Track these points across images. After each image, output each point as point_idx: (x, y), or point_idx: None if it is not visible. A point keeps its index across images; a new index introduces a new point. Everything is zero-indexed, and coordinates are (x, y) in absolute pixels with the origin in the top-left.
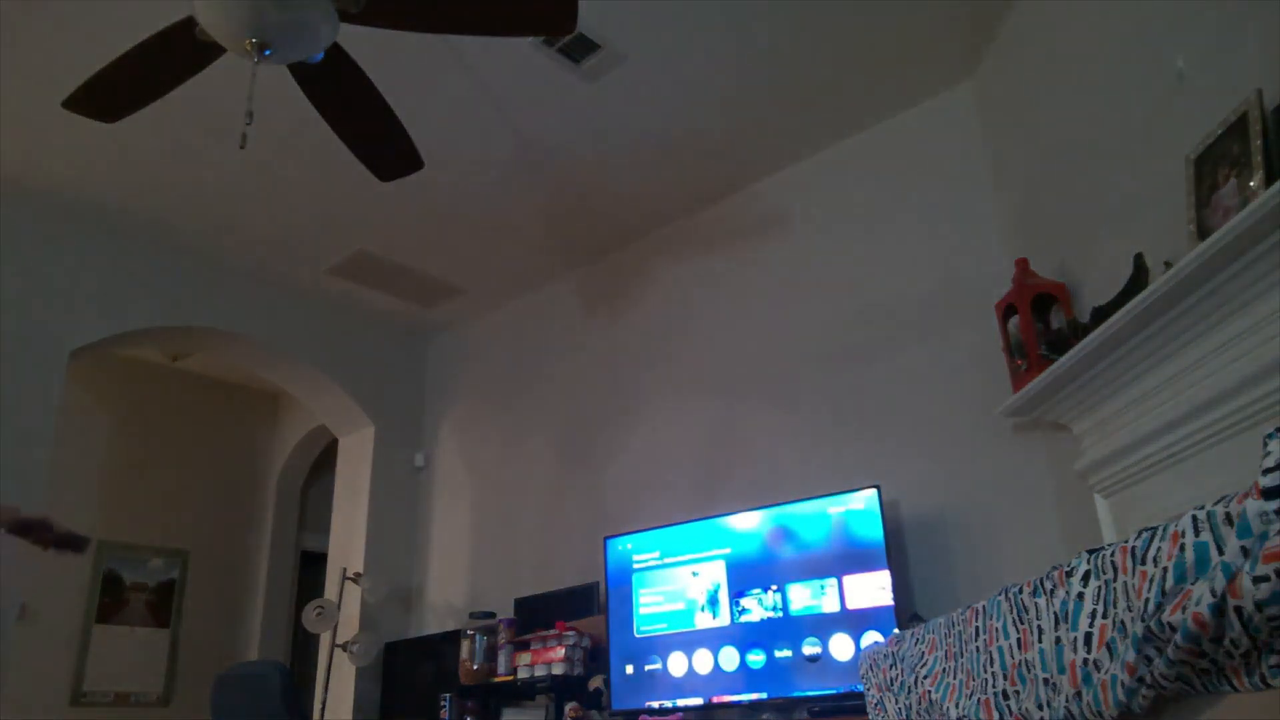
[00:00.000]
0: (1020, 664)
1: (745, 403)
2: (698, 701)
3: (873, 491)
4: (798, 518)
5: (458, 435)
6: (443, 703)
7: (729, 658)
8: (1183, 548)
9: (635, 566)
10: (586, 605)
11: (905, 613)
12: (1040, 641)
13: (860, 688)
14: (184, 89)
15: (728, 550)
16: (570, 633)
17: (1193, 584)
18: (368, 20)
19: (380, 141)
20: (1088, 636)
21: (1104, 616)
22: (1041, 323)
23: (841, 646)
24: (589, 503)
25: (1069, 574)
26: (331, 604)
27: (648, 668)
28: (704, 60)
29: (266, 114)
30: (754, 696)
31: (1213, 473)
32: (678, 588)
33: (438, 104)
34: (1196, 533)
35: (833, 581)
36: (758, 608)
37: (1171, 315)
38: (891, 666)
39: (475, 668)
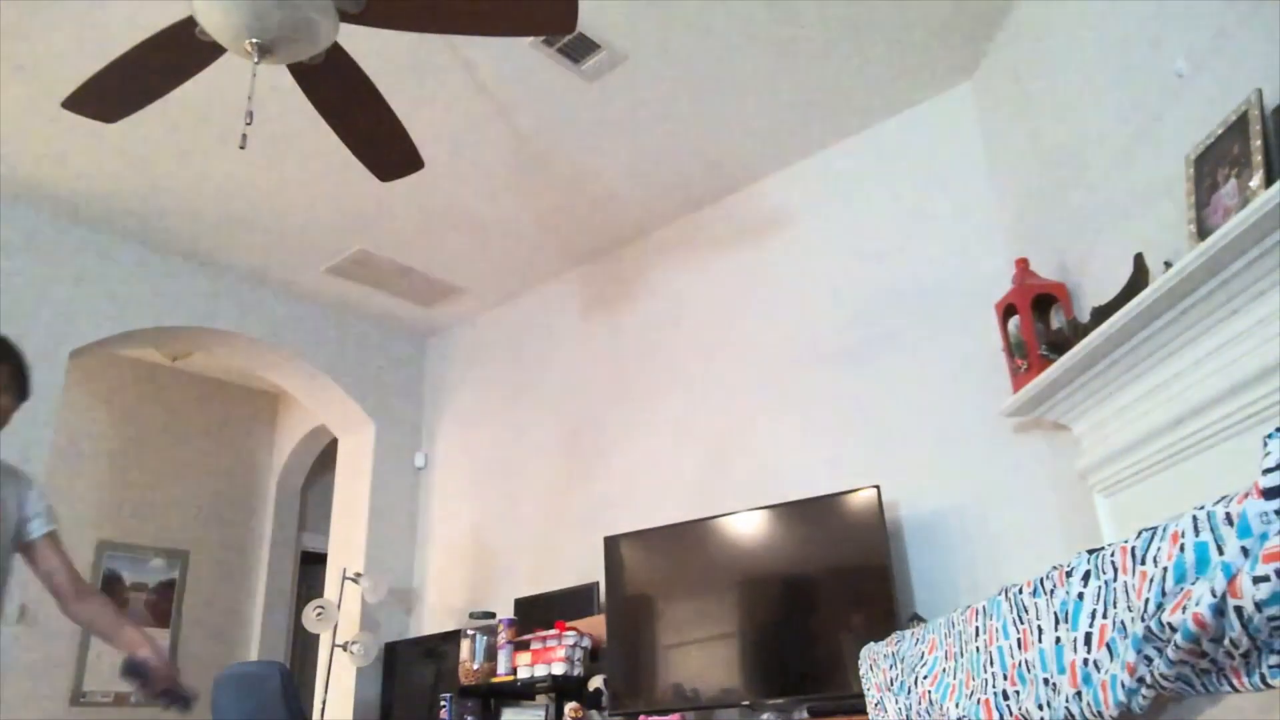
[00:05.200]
0: (1020, 664)
1: (745, 403)
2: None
3: (873, 491)
4: (798, 518)
5: (458, 435)
6: (443, 703)
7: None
8: (1183, 548)
9: None
10: (586, 605)
11: (905, 613)
12: (1040, 641)
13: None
14: (184, 89)
15: None
16: (570, 633)
17: (1193, 584)
18: (368, 20)
19: (380, 141)
20: (1088, 636)
21: (1104, 616)
22: (1041, 323)
23: None
24: (589, 503)
25: (1069, 574)
26: (331, 604)
27: None
28: (704, 60)
29: (266, 114)
30: (754, 696)
31: (1213, 473)
32: None
33: (438, 104)
34: (1196, 533)
35: None
36: None
37: (1171, 315)
38: (891, 666)
39: (475, 668)
